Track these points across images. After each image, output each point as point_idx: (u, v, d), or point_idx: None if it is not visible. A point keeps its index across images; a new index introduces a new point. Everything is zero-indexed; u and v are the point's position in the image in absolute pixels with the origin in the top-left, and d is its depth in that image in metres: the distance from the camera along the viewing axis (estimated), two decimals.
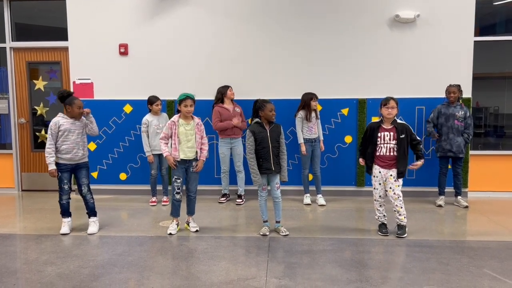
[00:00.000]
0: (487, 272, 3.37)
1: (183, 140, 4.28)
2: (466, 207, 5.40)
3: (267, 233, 4.32)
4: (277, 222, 4.41)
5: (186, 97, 4.26)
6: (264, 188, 4.32)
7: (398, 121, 4.22)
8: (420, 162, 4.19)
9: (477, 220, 4.95)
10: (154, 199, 5.72)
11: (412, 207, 5.31)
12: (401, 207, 4.20)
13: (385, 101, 4.16)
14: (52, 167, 4.30)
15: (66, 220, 4.50)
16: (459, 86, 5.41)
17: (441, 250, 3.87)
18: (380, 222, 4.37)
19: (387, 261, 3.64)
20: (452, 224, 4.83)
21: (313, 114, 5.47)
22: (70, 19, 6.12)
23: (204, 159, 4.46)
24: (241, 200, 5.71)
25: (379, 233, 4.30)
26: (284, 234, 4.31)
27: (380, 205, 4.33)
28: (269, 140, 4.22)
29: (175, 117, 4.32)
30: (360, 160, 4.44)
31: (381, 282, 3.19)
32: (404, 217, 4.24)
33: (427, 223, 4.75)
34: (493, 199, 5.90)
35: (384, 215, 4.35)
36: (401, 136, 4.12)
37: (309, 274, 3.34)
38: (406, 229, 4.27)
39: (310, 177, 5.68)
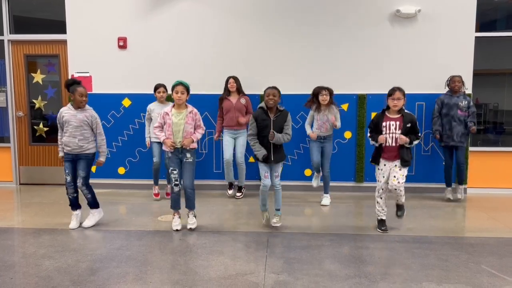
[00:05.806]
0: (485, 268, 3.37)
1: (175, 130, 4.19)
2: (448, 199, 5.51)
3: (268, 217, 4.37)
4: (277, 209, 4.36)
5: (178, 84, 4.17)
6: (266, 175, 4.24)
7: (406, 111, 4.12)
8: (404, 137, 4.00)
9: (476, 216, 4.95)
10: (156, 188, 5.57)
11: (411, 203, 5.29)
12: (402, 192, 4.11)
13: (391, 92, 4.07)
14: (60, 154, 4.40)
15: (74, 213, 4.42)
16: (461, 77, 5.44)
17: (440, 246, 3.87)
18: (379, 218, 4.32)
19: (386, 257, 3.64)
20: (451, 220, 4.82)
21: (322, 108, 5.20)
22: (68, 12, 6.07)
23: (195, 140, 4.24)
24: (240, 194, 5.72)
25: (378, 230, 4.28)
26: (274, 224, 4.29)
27: (381, 197, 4.22)
28: (272, 129, 4.13)
29: (169, 108, 4.25)
30: (374, 140, 4.15)
31: (379, 278, 3.19)
32: (403, 199, 4.21)
33: (426, 219, 4.75)
34: (492, 196, 5.90)
35: (383, 210, 4.26)
36: (407, 125, 4.02)
37: (307, 270, 3.33)
38: (405, 211, 4.33)
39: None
